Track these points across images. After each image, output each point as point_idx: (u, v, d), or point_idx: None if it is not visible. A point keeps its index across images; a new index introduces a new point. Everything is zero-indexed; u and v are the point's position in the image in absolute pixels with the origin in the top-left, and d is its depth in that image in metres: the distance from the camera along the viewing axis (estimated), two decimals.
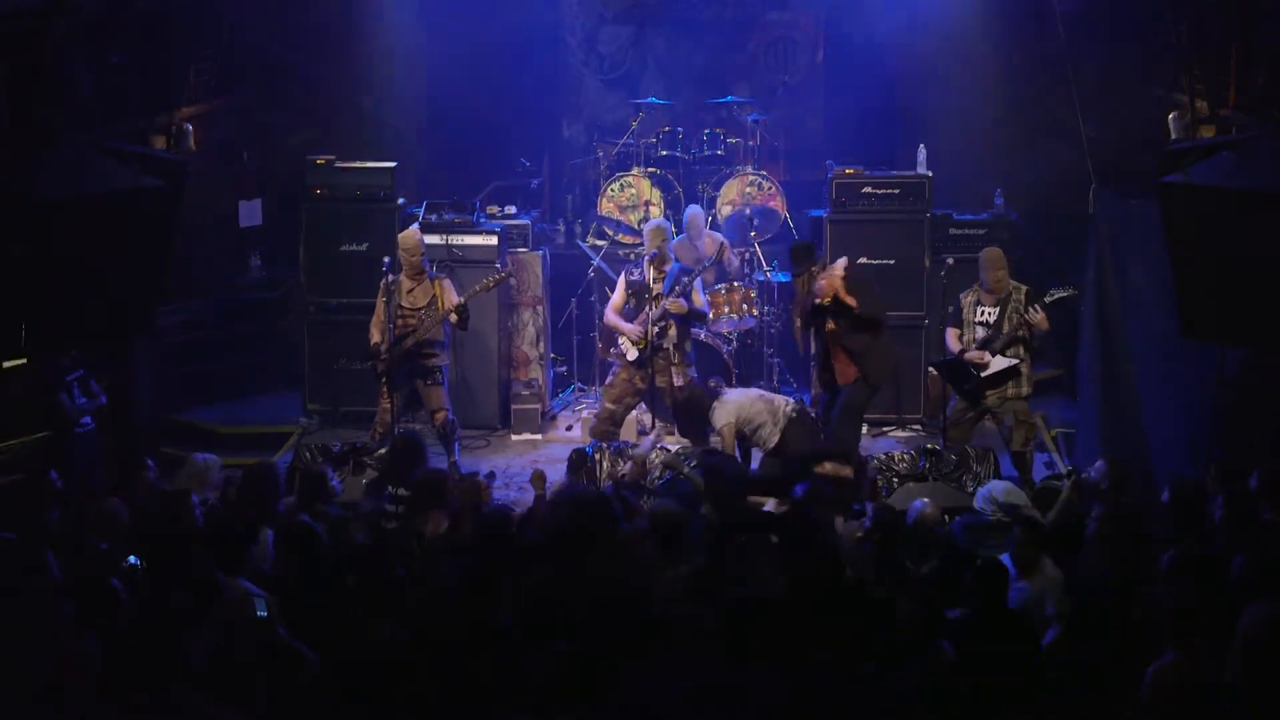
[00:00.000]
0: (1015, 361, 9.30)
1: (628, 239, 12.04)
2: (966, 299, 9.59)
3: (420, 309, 9.64)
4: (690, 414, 9.50)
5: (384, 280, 9.63)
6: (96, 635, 5.53)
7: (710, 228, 11.57)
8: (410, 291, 9.69)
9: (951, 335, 9.61)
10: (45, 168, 7.37)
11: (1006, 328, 9.31)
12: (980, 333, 9.44)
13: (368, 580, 6.10)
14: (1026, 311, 9.24)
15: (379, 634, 5.58)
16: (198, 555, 6.23)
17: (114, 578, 5.97)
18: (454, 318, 9.55)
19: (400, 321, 9.62)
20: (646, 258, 9.78)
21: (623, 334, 9.77)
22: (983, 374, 9.34)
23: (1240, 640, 5.38)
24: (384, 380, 9.68)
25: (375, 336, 9.67)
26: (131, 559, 6.47)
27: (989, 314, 9.44)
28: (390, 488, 8.04)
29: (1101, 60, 12.04)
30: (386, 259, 9.73)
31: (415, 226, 10.21)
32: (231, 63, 12.39)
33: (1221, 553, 6.17)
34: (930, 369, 10.49)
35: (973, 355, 9.38)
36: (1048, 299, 9.28)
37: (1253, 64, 9.50)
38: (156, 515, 7.20)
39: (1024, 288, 9.45)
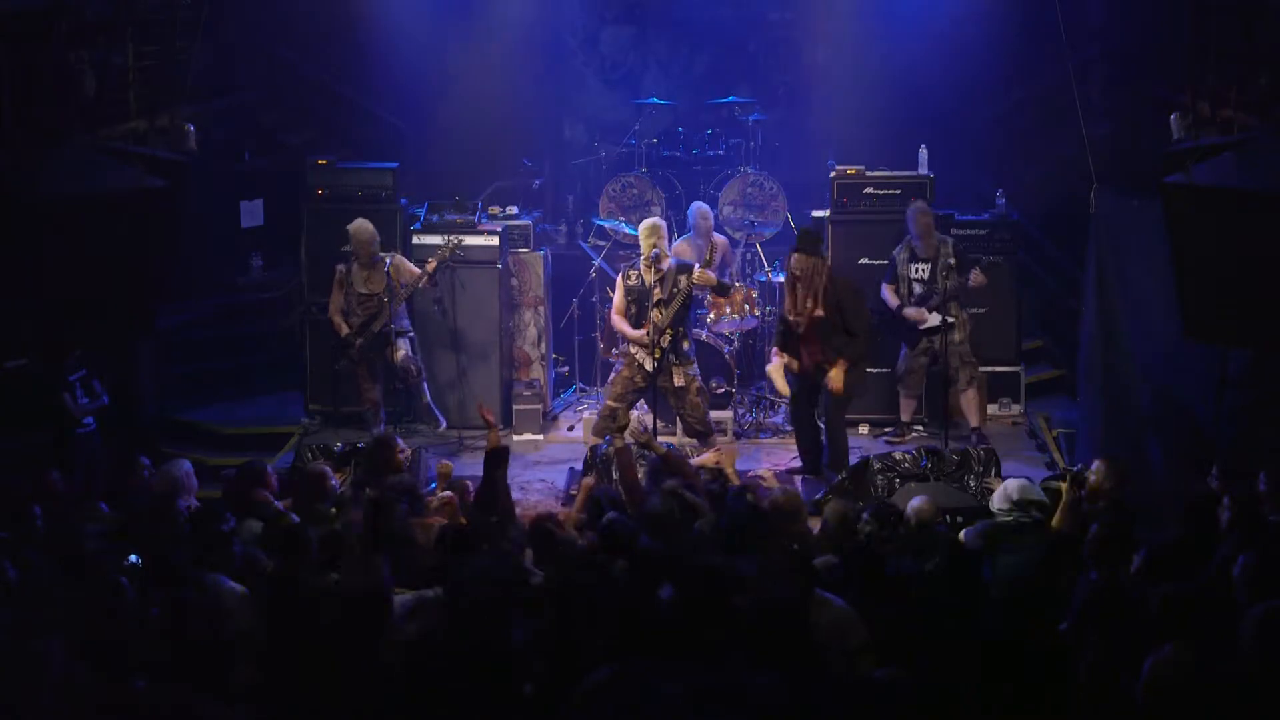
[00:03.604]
0: (950, 319, 9.79)
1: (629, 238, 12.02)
2: (901, 255, 10.14)
3: (378, 294, 10.12)
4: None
5: (338, 271, 10.21)
6: (95, 634, 5.52)
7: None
8: (367, 279, 10.19)
9: (888, 291, 10.17)
10: (48, 168, 7.36)
11: (942, 285, 9.71)
12: (917, 289, 10.02)
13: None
14: (969, 274, 9.71)
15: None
16: (184, 553, 6.27)
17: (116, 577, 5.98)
18: (425, 281, 10.11)
19: (361, 309, 10.17)
20: (643, 259, 9.73)
21: (632, 341, 9.68)
22: (920, 328, 9.98)
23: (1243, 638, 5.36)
24: (360, 370, 10.24)
25: (344, 329, 10.23)
26: (133, 558, 6.46)
27: (922, 270, 10.00)
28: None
29: (1104, 60, 12.05)
30: (345, 249, 10.19)
31: (363, 219, 10.30)
32: (232, 63, 12.40)
33: (1228, 554, 6.16)
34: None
35: (911, 313, 10.00)
36: (988, 259, 9.98)
37: (1255, 64, 9.48)
38: (146, 514, 7.22)
39: (949, 240, 10.07)
